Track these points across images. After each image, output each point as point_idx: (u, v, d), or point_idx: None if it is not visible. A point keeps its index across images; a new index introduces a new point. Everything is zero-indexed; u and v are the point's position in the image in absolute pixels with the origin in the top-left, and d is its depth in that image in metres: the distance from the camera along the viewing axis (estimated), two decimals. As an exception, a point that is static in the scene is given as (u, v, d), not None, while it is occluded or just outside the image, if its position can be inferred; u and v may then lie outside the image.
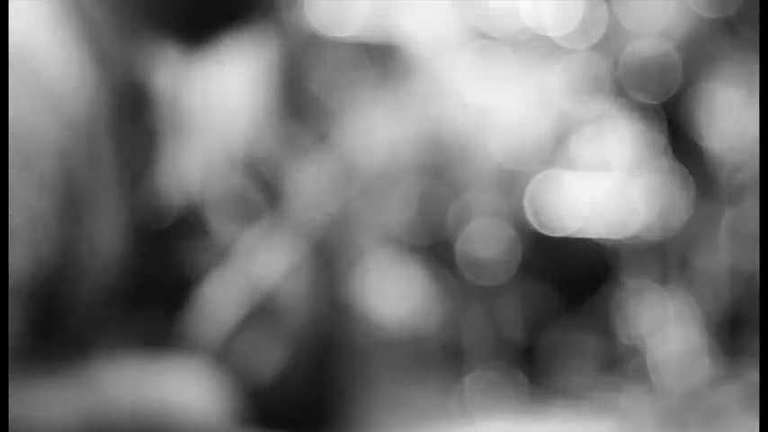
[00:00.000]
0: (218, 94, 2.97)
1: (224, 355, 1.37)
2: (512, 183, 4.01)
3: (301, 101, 3.55)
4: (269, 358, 1.41)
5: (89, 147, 1.23)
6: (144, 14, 1.31)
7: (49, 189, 1.19)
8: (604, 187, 3.91)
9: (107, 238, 1.26)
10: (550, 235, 3.93)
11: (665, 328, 3.71)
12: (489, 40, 4.07)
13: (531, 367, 3.82)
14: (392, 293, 3.71)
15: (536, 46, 4.03)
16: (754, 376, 3.41)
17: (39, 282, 1.20)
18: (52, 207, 1.19)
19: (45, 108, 1.19)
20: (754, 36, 3.74)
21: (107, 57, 1.29)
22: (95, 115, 1.25)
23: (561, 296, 3.90)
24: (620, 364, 3.73)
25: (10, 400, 1.11)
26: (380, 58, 3.89)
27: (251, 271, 1.41)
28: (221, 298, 1.38)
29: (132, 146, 1.29)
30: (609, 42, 3.87)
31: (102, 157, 1.25)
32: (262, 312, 1.40)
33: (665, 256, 3.79)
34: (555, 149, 4.01)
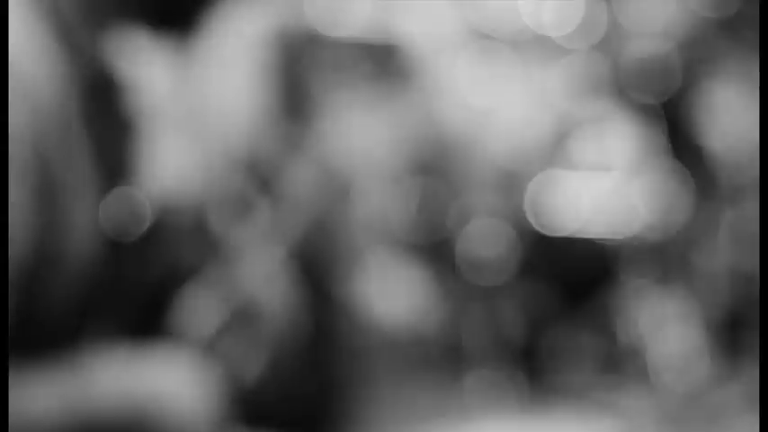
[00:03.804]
0: (216, 93, 2.97)
1: (212, 352, 1.37)
2: (512, 183, 4.01)
3: (300, 101, 3.55)
4: (256, 356, 1.41)
5: (62, 137, 1.23)
6: (116, 3, 1.30)
7: (24, 179, 1.19)
8: (604, 187, 3.91)
9: (85, 229, 1.26)
10: (550, 235, 3.93)
11: (665, 328, 3.71)
12: (489, 40, 4.07)
13: (531, 367, 3.82)
14: (392, 293, 3.71)
15: (536, 46, 4.03)
16: (754, 376, 3.41)
17: (19, 274, 1.19)
18: (28, 198, 1.19)
19: (16, 98, 1.19)
20: (754, 36, 3.74)
21: (77, 46, 1.28)
22: (67, 105, 1.25)
23: (561, 296, 3.90)
24: (620, 364, 3.72)
25: None
26: (380, 58, 3.89)
27: (241, 268, 1.41)
28: (210, 295, 1.38)
29: (108, 137, 1.29)
30: (609, 42, 3.87)
31: (77, 148, 1.25)
32: (249, 310, 1.40)
33: (665, 256, 3.79)
34: (555, 149, 4.01)
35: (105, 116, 1.30)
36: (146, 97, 1.35)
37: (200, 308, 1.38)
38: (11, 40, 1.21)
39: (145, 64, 1.36)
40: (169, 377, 1.32)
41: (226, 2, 1.34)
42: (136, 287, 1.34)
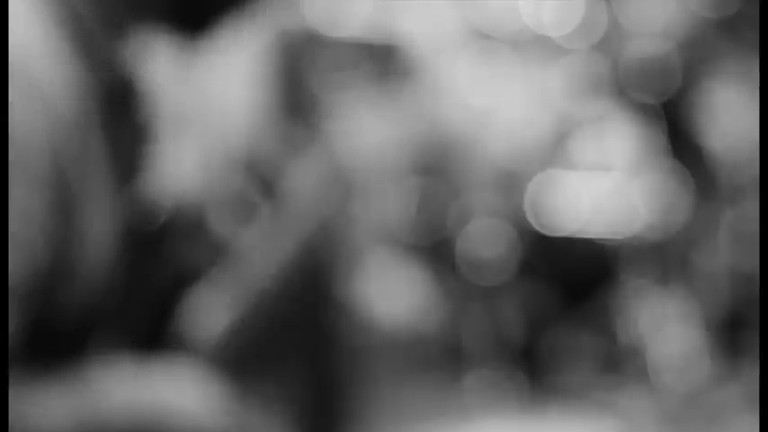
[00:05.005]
0: (218, 93, 2.98)
1: (218, 356, 1.37)
2: (512, 183, 4.01)
3: (300, 100, 3.55)
4: (262, 356, 1.41)
5: (79, 144, 1.23)
6: (134, 7, 1.30)
7: (41, 188, 1.19)
8: (604, 187, 3.92)
9: (100, 237, 1.26)
10: (551, 235, 3.93)
11: (665, 328, 3.71)
12: (489, 40, 4.07)
13: (531, 367, 3.82)
14: (392, 293, 3.71)
15: (536, 46, 4.03)
16: (754, 376, 3.41)
17: (32, 282, 1.19)
18: (44, 206, 1.19)
19: (34, 106, 1.19)
20: (754, 36, 3.74)
21: (95, 51, 1.28)
22: (85, 112, 1.25)
23: (561, 296, 3.90)
24: (620, 364, 3.73)
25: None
26: (380, 58, 3.89)
27: (246, 271, 1.40)
28: (216, 298, 1.38)
29: (124, 142, 1.29)
30: (609, 42, 3.87)
31: (94, 155, 1.25)
32: (256, 312, 1.40)
33: (665, 256, 3.79)
34: (555, 149, 4.01)
35: (123, 122, 1.29)
36: (161, 102, 1.35)
37: (208, 309, 1.38)
38: (30, 50, 1.21)
39: (160, 68, 1.35)
40: (178, 389, 1.32)
41: (244, 8, 1.34)
42: (145, 291, 1.34)
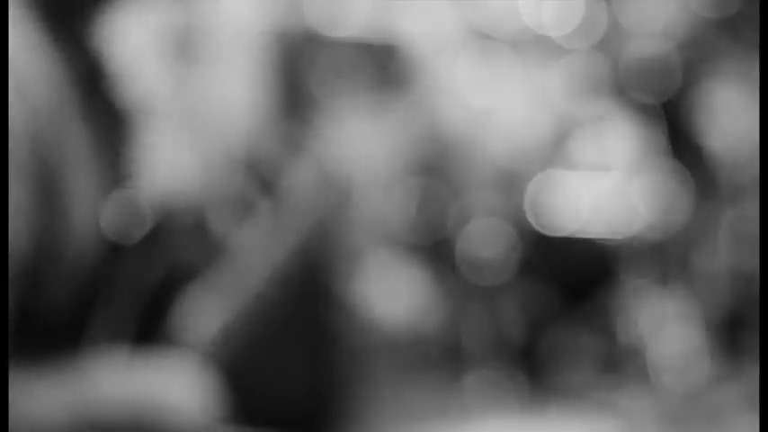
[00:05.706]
0: (218, 93, 2.97)
1: (212, 353, 1.37)
2: (512, 183, 4.01)
3: (300, 100, 3.55)
4: (259, 355, 1.41)
5: (59, 132, 1.23)
6: None
7: (22, 178, 1.19)
8: (604, 187, 3.91)
9: (86, 228, 1.26)
10: (551, 235, 3.93)
11: (665, 328, 3.71)
12: (489, 40, 4.07)
13: (531, 367, 3.82)
14: (392, 293, 3.71)
15: (536, 46, 4.03)
16: (754, 376, 3.41)
17: (19, 273, 1.19)
18: (26, 196, 1.19)
19: (12, 98, 1.19)
20: (754, 36, 3.74)
21: (71, 40, 1.28)
22: (63, 100, 1.25)
23: (561, 296, 3.90)
24: (620, 364, 3.73)
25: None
26: (380, 59, 3.89)
27: (245, 270, 1.41)
28: (212, 297, 1.38)
29: (105, 128, 1.29)
30: (609, 42, 3.87)
31: (75, 142, 1.24)
32: (254, 311, 1.40)
33: (665, 256, 3.79)
34: (555, 149, 4.01)
35: (102, 108, 1.29)
36: (142, 84, 1.34)
37: (201, 309, 1.38)
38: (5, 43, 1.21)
39: (138, 49, 1.35)
40: (171, 382, 1.32)
41: None
42: (137, 289, 1.34)
